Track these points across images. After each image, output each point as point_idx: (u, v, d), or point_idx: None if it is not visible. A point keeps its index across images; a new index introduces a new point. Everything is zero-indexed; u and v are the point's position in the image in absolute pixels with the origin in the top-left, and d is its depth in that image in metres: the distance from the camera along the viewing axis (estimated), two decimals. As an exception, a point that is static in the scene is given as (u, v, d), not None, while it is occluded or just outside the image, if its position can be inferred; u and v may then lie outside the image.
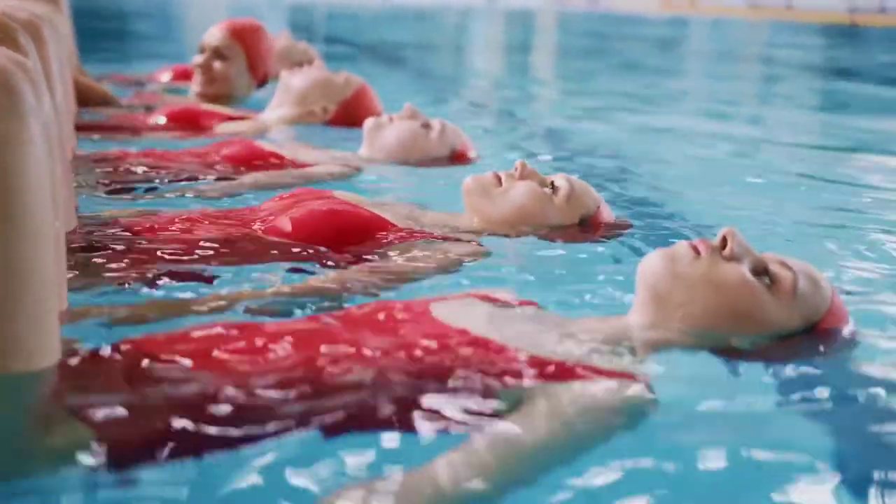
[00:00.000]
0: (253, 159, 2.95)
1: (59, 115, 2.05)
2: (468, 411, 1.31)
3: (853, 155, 4.46)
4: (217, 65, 4.23)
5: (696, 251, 1.56)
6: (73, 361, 1.34)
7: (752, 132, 5.36)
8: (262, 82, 4.31)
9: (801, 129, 5.55)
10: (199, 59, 4.26)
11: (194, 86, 4.31)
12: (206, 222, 2.17)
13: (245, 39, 4.24)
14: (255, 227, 2.13)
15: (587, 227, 2.24)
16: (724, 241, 1.57)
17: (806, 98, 7.49)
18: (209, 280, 1.85)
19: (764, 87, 8.67)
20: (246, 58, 4.23)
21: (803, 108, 6.78)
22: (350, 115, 3.65)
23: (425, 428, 1.29)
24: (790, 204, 3.25)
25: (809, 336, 1.56)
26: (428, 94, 6.40)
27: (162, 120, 3.77)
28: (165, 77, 5.47)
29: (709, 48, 14.09)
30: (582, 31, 17.19)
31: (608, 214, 2.31)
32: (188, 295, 1.75)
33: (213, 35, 4.26)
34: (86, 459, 1.18)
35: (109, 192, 2.64)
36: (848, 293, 1.89)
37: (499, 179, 2.23)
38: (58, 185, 1.48)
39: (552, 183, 2.23)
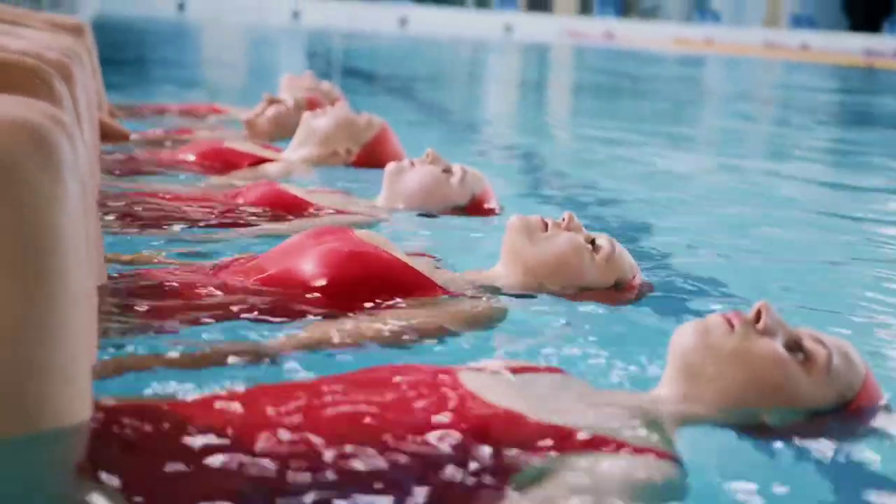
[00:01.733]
0: (278, 204, 2.96)
1: (87, 156, 2.06)
2: (490, 488, 1.29)
3: (871, 195, 4.47)
4: (278, 107, 4.54)
5: (730, 324, 1.54)
6: (104, 421, 1.33)
7: (766, 175, 5.37)
8: None
9: (816, 173, 5.56)
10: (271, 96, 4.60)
11: (248, 115, 4.57)
12: (226, 270, 2.17)
13: (311, 106, 4.45)
14: (272, 270, 2.12)
15: (619, 292, 2.23)
16: (757, 314, 1.56)
17: (821, 141, 7.49)
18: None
19: (779, 128, 8.68)
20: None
21: (818, 150, 6.79)
22: (372, 156, 3.67)
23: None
24: (807, 245, 3.26)
25: (842, 414, 1.54)
26: (444, 131, 6.42)
27: (191, 157, 3.80)
28: (191, 111, 5.53)
29: (724, 88, 14.12)
30: (597, 67, 17.25)
31: (641, 281, 2.30)
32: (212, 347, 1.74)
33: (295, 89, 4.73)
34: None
35: (131, 230, 2.65)
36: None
37: (545, 225, 2.22)
38: (91, 240, 1.48)
39: (594, 241, 2.23)
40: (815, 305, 2.48)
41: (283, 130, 4.44)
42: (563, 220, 2.22)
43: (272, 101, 4.55)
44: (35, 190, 1.23)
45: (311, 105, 4.50)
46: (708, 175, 5.21)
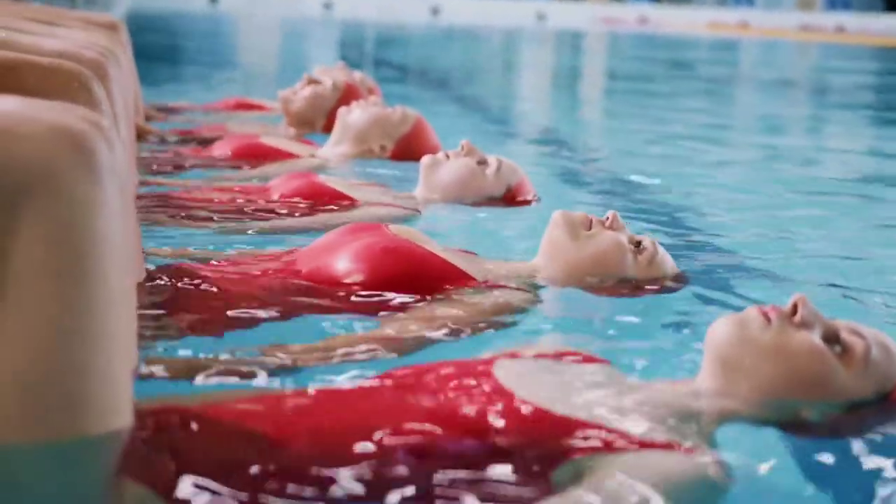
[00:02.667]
0: (314, 197, 2.98)
1: (124, 154, 2.08)
2: (525, 486, 1.30)
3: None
4: (316, 87, 4.50)
5: (767, 318, 1.53)
6: (144, 423, 1.35)
7: (804, 160, 5.32)
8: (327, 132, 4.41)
9: (854, 156, 5.50)
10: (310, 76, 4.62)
11: (286, 93, 4.58)
12: (261, 265, 2.19)
13: (349, 92, 4.47)
14: (308, 267, 2.13)
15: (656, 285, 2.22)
16: (794, 307, 1.55)
17: (859, 124, 7.41)
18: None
19: (817, 112, 8.59)
20: (338, 103, 4.32)
21: (856, 134, 6.71)
22: (407, 150, 3.67)
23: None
24: (845, 233, 3.23)
25: (881, 406, 1.53)
26: (478, 121, 6.41)
27: (226, 152, 3.83)
28: (224, 108, 5.56)
29: (759, 72, 13.99)
30: (632, 54, 17.15)
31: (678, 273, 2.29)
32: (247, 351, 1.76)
33: (336, 72, 4.72)
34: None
35: (169, 226, 2.68)
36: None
37: (589, 222, 2.21)
38: (129, 241, 1.50)
39: (638, 242, 2.22)
40: (856, 294, 2.46)
41: (316, 112, 4.46)
42: (608, 218, 2.21)
43: (311, 81, 4.57)
44: (74, 194, 1.24)
45: (350, 92, 4.49)
46: (745, 161, 5.17)
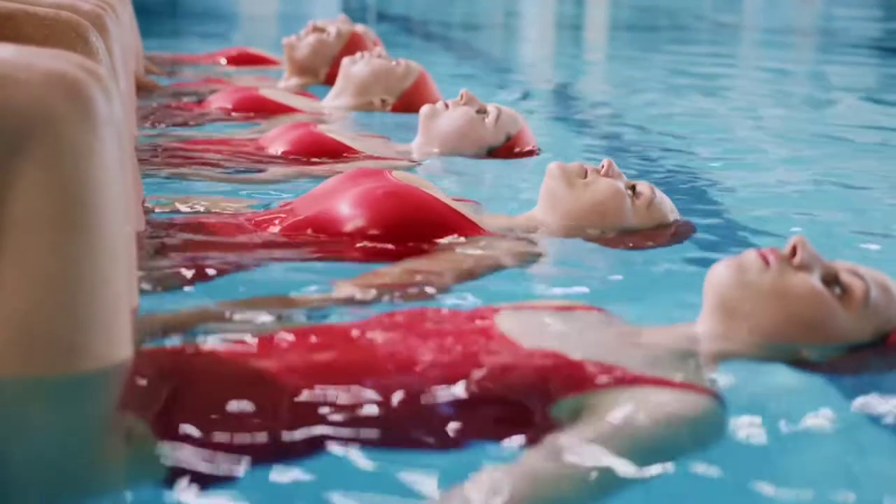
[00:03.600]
0: (313, 147, 2.98)
1: (123, 107, 2.08)
2: (523, 424, 1.31)
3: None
4: (319, 35, 4.51)
5: (765, 260, 1.53)
6: (141, 363, 1.36)
7: (810, 110, 5.29)
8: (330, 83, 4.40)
9: (862, 106, 5.46)
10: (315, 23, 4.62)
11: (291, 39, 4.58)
12: (261, 215, 2.19)
13: (353, 41, 4.48)
14: (307, 213, 2.12)
15: (659, 233, 2.23)
16: (793, 249, 1.54)
17: (866, 73, 7.36)
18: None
19: (821, 59, 8.53)
20: (341, 52, 4.33)
21: (863, 84, 6.66)
22: (410, 103, 3.66)
23: (478, 439, 1.28)
24: (851, 180, 3.22)
25: (881, 348, 1.53)
26: (480, 72, 6.38)
27: (226, 105, 3.82)
28: (223, 60, 5.53)
29: (763, 21, 13.87)
30: (634, 3, 17.00)
31: (682, 221, 2.29)
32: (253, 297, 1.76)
33: (342, 21, 4.69)
34: (155, 471, 1.20)
35: (168, 178, 2.68)
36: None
37: (585, 172, 2.21)
38: (128, 190, 1.50)
39: (634, 187, 2.22)
40: (860, 239, 2.46)
41: (320, 60, 4.46)
42: (603, 166, 2.21)
43: (316, 29, 4.55)
44: (71, 142, 1.24)
45: (355, 41, 4.48)
46: (749, 111, 5.13)
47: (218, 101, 3.90)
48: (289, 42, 4.51)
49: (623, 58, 8.27)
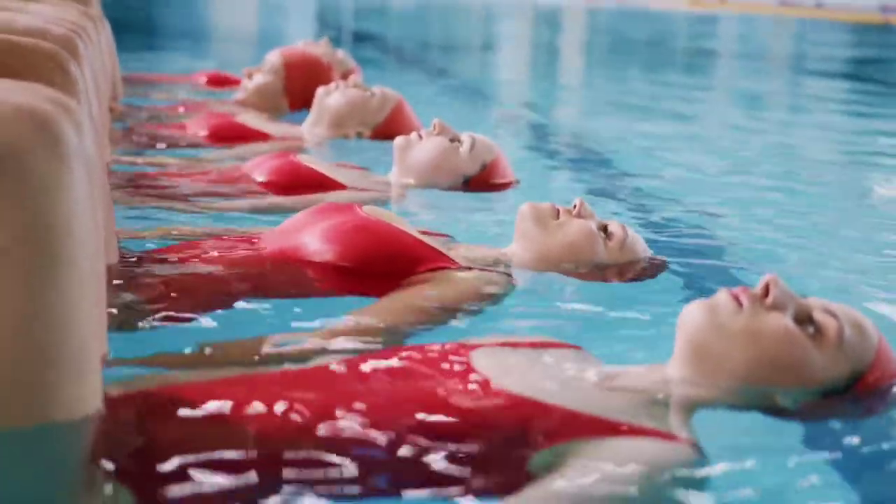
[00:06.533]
0: (292, 178, 2.96)
1: (95, 133, 2.05)
2: (499, 474, 1.30)
3: (886, 158, 4.45)
4: (257, 78, 4.58)
5: (738, 301, 1.52)
6: (115, 410, 1.33)
7: (782, 135, 5.33)
8: (296, 109, 4.43)
9: (833, 132, 5.51)
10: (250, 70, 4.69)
11: (239, 92, 4.67)
12: (231, 247, 2.16)
13: (291, 68, 4.54)
14: (274, 247, 2.11)
15: (632, 270, 2.23)
16: (765, 289, 1.53)
17: (838, 100, 7.42)
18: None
19: (795, 87, 8.60)
20: (285, 83, 4.39)
21: (835, 110, 6.72)
22: (388, 133, 3.64)
23: (449, 492, 1.27)
24: (825, 209, 3.24)
25: (855, 391, 1.52)
26: (457, 98, 6.39)
27: (202, 132, 3.81)
28: (201, 80, 5.51)
29: (739, 47, 13.98)
30: (612, 29, 17.11)
31: (654, 258, 2.29)
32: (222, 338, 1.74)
33: (272, 54, 4.69)
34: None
35: (142, 205, 2.66)
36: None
37: (557, 212, 2.21)
38: (99, 225, 1.48)
39: (606, 227, 2.22)
40: (834, 271, 2.47)
41: (268, 99, 4.55)
42: (575, 206, 2.21)
43: (250, 75, 4.63)
44: (40, 177, 1.22)
45: (292, 67, 4.51)
46: (724, 137, 5.17)
47: (194, 127, 3.89)
48: (239, 101, 4.59)
49: (600, 83, 8.32)
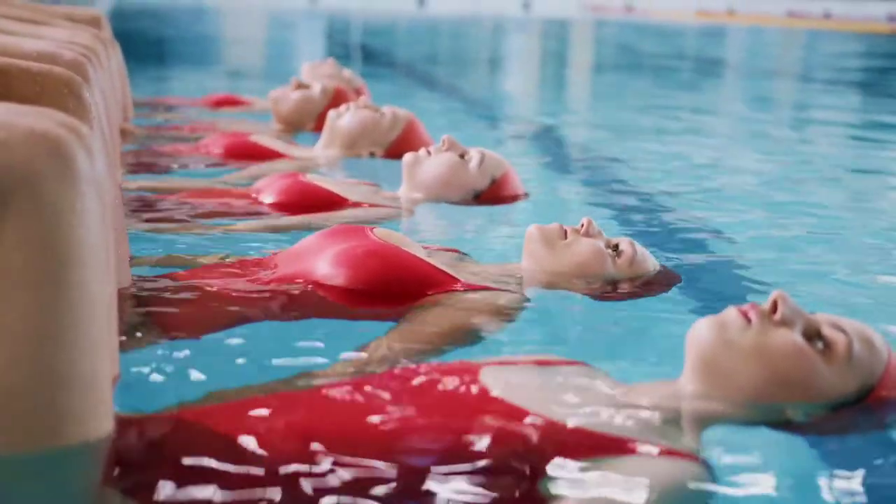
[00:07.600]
0: (302, 197, 2.98)
1: (107, 157, 2.06)
2: (510, 492, 1.30)
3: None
4: (305, 92, 4.57)
5: (747, 318, 1.53)
6: (127, 432, 1.34)
7: (792, 147, 5.33)
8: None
9: (841, 143, 5.51)
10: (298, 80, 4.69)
11: (274, 92, 4.66)
12: (244, 270, 2.17)
13: (339, 97, 4.54)
14: (287, 271, 2.12)
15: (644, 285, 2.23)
16: (774, 305, 1.54)
17: (846, 110, 7.42)
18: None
19: (804, 99, 8.60)
20: (326, 108, 4.38)
21: (843, 121, 6.71)
22: (400, 151, 3.63)
23: None
24: (835, 222, 3.23)
25: (866, 405, 1.52)
26: (465, 114, 6.40)
27: (215, 151, 3.83)
28: (211, 103, 5.54)
29: (747, 59, 13.98)
30: (619, 42, 17.13)
31: (666, 272, 2.30)
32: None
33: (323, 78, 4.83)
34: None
35: (154, 229, 2.67)
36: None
37: (564, 232, 2.22)
38: (111, 248, 1.49)
39: (616, 245, 2.23)
40: (844, 285, 2.46)
41: (304, 116, 4.52)
42: (582, 225, 2.22)
43: (300, 86, 4.59)
44: (52, 202, 1.24)
45: (339, 96, 4.52)
46: (732, 149, 5.17)
47: (208, 146, 3.91)
48: (275, 96, 4.57)
49: (608, 97, 8.33)
